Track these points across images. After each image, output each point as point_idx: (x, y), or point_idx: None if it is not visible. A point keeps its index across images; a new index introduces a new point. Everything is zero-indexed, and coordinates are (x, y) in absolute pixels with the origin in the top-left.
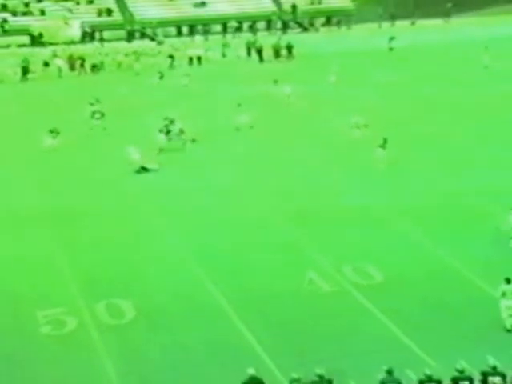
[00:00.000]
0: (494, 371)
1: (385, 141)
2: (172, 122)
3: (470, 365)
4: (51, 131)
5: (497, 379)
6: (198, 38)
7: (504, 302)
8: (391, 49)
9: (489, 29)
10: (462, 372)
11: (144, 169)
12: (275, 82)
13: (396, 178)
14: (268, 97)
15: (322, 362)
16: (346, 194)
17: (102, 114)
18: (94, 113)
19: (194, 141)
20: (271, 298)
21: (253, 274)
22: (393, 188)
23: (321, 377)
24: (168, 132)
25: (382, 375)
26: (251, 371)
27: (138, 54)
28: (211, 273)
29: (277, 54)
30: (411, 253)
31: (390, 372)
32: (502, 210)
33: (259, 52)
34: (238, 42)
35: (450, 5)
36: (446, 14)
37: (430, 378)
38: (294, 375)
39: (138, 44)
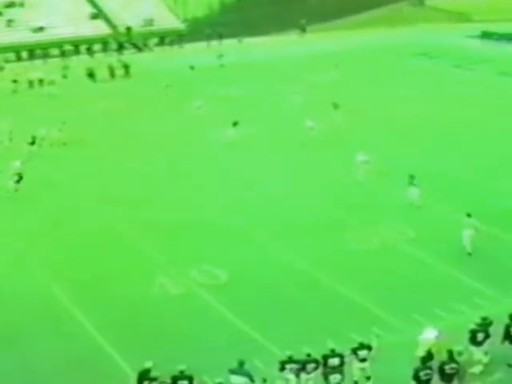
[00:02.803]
0: (333, 353)
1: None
2: None
3: (312, 350)
4: None
5: (336, 360)
6: (38, 61)
7: (465, 232)
8: (222, 65)
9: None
10: (309, 355)
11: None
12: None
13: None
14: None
15: (177, 360)
16: (183, 202)
17: None
18: None
19: None
20: (123, 304)
21: (105, 284)
22: (231, 194)
23: (182, 372)
24: None
25: (233, 366)
26: (148, 364)
27: None
28: (64, 286)
29: (113, 73)
30: (252, 252)
31: (241, 364)
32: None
33: (96, 72)
34: (77, 64)
35: (303, 21)
36: (302, 29)
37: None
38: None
39: None
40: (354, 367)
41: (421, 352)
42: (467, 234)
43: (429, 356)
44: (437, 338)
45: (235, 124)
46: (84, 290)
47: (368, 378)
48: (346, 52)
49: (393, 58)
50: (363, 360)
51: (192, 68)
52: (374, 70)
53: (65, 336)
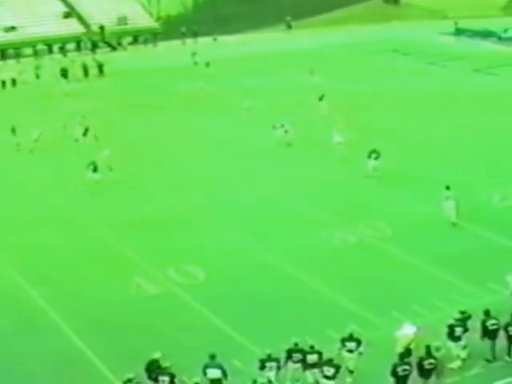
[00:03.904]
0: (312, 350)
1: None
2: None
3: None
4: None
5: (314, 357)
6: (10, 61)
7: (447, 204)
8: (196, 63)
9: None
10: (296, 345)
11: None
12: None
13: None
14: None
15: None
16: (159, 201)
17: None
18: None
19: None
20: (101, 305)
21: (82, 285)
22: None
23: (164, 368)
24: None
25: (206, 361)
26: (157, 354)
27: None
28: (39, 286)
29: (86, 72)
30: (230, 251)
31: (212, 357)
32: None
33: (69, 72)
34: (50, 64)
35: (288, 18)
36: (288, 26)
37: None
38: (129, 375)
39: None
40: (344, 357)
41: (399, 348)
42: (448, 206)
43: (407, 352)
44: (415, 334)
45: (283, 126)
46: (60, 292)
47: (351, 372)
48: (320, 50)
49: (367, 55)
50: (350, 351)
51: (207, 65)
52: (349, 66)
53: (42, 338)
